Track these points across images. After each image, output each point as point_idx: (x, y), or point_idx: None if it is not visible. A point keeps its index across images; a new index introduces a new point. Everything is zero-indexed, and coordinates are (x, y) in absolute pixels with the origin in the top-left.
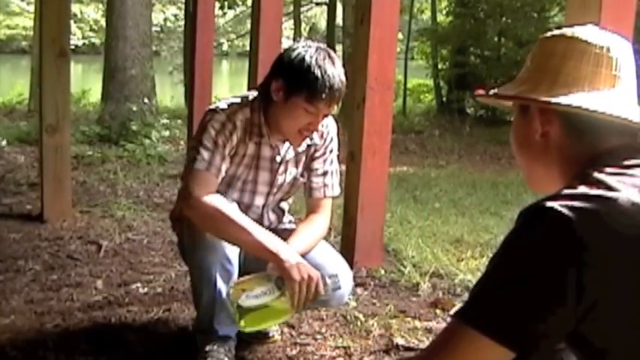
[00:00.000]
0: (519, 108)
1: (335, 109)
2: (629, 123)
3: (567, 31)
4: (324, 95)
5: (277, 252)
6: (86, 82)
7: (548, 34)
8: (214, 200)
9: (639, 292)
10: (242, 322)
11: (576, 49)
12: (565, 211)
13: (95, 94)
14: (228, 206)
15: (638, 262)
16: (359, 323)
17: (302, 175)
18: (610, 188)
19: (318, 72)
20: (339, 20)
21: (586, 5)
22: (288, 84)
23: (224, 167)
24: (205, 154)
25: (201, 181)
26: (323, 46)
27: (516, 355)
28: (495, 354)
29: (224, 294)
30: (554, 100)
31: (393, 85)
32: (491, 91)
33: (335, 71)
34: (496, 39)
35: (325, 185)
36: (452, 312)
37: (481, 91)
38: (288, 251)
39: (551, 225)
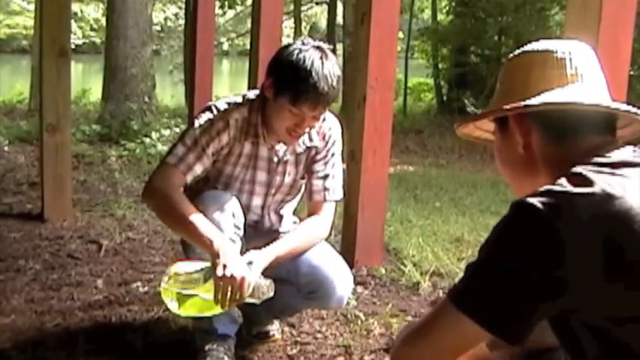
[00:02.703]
0: (499, 130)
1: (323, 112)
2: (600, 108)
3: (527, 47)
4: (307, 99)
5: (213, 246)
6: (87, 82)
7: (510, 55)
8: (168, 192)
9: (612, 281)
10: (171, 306)
11: (539, 58)
12: (543, 207)
13: (96, 93)
14: (178, 198)
15: (613, 257)
16: (359, 322)
17: (302, 177)
18: (590, 184)
19: (304, 75)
20: (339, 19)
21: (586, 4)
22: (276, 83)
23: (198, 166)
24: (180, 150)
25: (165, 173)
26: (322, 45)
27: (502, 340)
28: (481, 337)
29: None
30: (526, 102)
31: (394, 84)
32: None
33: (324, 74)
34: (496, 38)
35: (326, 189)
36: (447, 291)
37: (458, 124)
38: (224, 247)
39: (529, 221)
